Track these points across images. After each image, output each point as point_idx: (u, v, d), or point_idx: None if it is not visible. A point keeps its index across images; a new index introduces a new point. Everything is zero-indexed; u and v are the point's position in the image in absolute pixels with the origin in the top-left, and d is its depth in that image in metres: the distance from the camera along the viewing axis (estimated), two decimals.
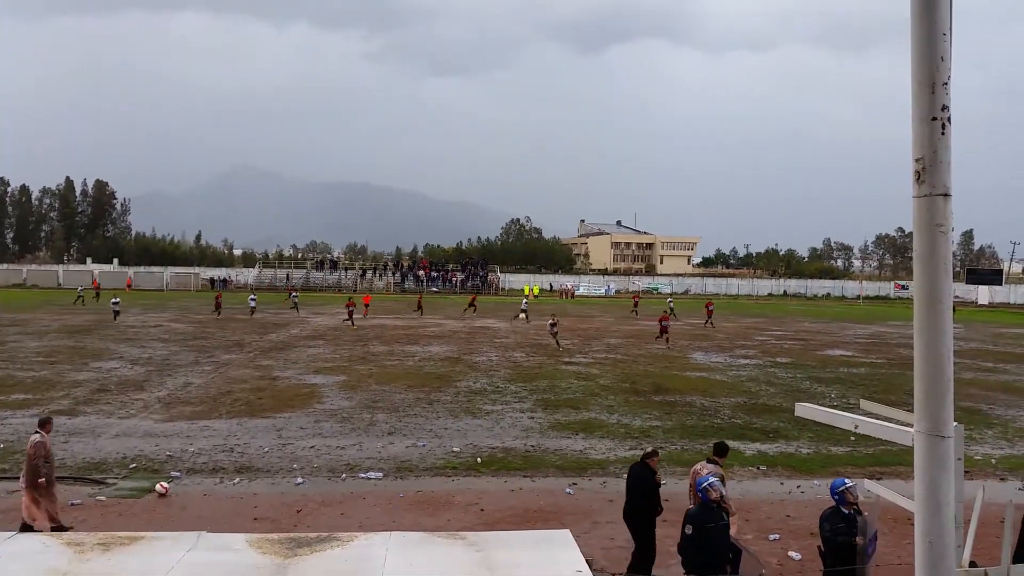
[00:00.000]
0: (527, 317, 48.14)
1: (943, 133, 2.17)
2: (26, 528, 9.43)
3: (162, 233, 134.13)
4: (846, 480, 7.85)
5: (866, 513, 7.50)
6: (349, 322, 41.93)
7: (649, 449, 9.82)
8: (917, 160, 2.20)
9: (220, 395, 20.49)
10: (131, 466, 13.65)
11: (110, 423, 17.05)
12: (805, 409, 3.03)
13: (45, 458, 9.94)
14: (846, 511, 7.58)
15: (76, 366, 25.08)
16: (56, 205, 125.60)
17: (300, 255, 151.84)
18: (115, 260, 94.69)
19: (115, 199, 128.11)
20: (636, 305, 58.76)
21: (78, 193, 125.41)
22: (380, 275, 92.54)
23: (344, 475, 13.40)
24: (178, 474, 13.22)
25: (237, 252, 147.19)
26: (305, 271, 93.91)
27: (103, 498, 11.97)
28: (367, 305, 49.43)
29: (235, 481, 12.91)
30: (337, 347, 31.96)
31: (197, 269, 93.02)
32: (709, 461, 9.36)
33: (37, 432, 10.23)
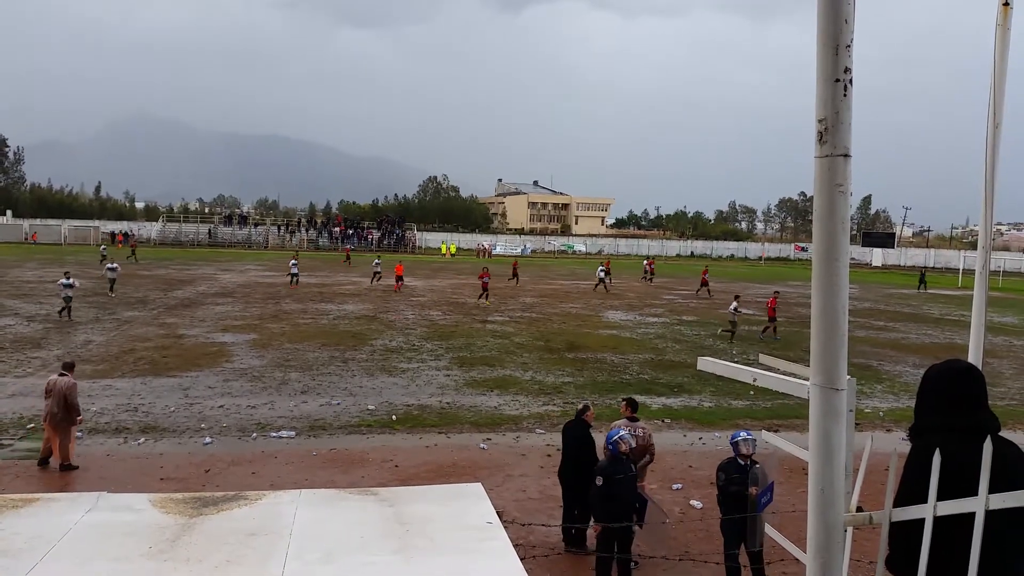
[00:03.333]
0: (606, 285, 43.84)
1: (845, 95, 2.22)
2: (44, 461, 11.18)
3: (59, 184, 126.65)
4: (743, 432, 8.19)
5: (759, 464, 7.86)
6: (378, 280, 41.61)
7: (581, 405, 9.95)
8: (820, 121, 2.25)
9: (123, 353, 19.70)
10: (29, 426, 13.05)
11: (5, 382, 16.20)
12: (707, 363, 3.12)
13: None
14: (741, 462, 7.94)
15: None
16: None
17: (207, 209, 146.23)
18: (8, 212, 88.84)
19: (7, 147, 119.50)
20: (651, 272, 52.40)
21: None
22: (293, 232, 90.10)
23: (255, 434, 13.16)
24: (79, 434, 12.67)
25: (139, 205, 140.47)
26: (212, 226, 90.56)
27: None
28: (400, 277, 39.74)
29: (140, 441, 12.51)
30: (247, 305, 31.11)
31: (97, 222, 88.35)
32: (623, 418, 9.64)
33: (63, 374, 11.47)
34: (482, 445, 13.01)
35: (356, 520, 3.70)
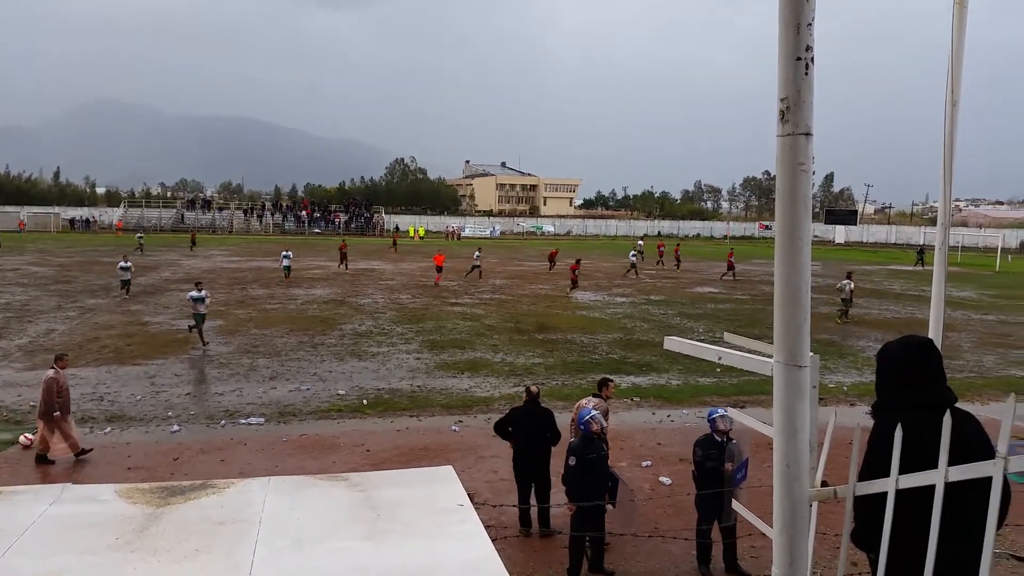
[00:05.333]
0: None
1: (807, 73, 2.23)
2: (41, 458, 10.86)
3: (17, 170, 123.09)
4: (720, 409, 8.29)
5: (735, 440, 7.97)
6: (344, 266, 40.69)
7: (533, 388, 9.97)
8: (782, 99, 2.26)
9: (86, 342, 19.34)
10: None
11: None
12: (673, 342, 3.15)
13: (59, 392, 11.00)
14: (718, 438, 8.03)
15: None
16: None
17: (169, 194, 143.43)
18: None
19: None
20: (732, 268, 41.81)
21: None
22: (259, 216, 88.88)
23: (223, 421, 13.03)
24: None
25: (100, 191, 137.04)
26: (175, 211, 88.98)
27: None
28: (440, 268, 36.36)
29: (106, 431, 12.33)
30: (212, 291, 30.65)
31: (57, 208, 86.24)
32: (594, 395, 9.69)
33: (52, 368, 11.29)
34: (453, 427, 13.03)
35: (326, 506, 3.69)
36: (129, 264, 28.50)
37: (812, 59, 2.26)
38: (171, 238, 69.71)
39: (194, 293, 19.72)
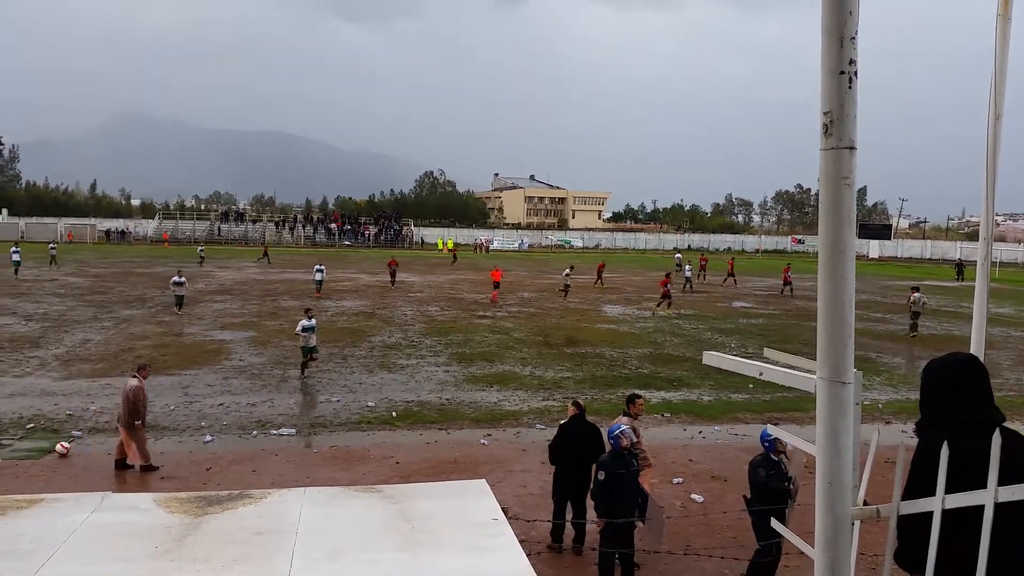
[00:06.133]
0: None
1: (850, 87, 2.22)
2: (121, 464, 11.09)
3: (55, 182, 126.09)
4: (766, 430, 8.12)
5: (788, 460, 7.80)
6: (392, 284, 39.12)
7: (580, 401, 9.93)
8: (825, 113, 2.25)
9: (121, 352, 19.68)
10: (28, 426, 13.02)
11: (4, 382, 16.16)
12: (712, 357, 3.12)
13: (143, 402, 11.19)
14: (775, 458, 7.85)
15: None
16: None
17: (203, 206, 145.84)
18: (4, 211, 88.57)
19: (2, 145, 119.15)
20: (788, 283, 40.13)
21: None
22: (291, 228, 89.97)
23: (255, 432, 13.15)
24: (79, 433, 12.70)
25: (135, 203, 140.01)
26: (209, 223, 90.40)
27: None
28: (497, 284, 34.89)
29: None
30: (245, 302, 31.09)
31: (93, 220, 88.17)
32: (624, 414, 9.62)
33: (135, 376, 11.38)
34: (482, 441, 13.02)
35: (361, 517, 3.71)
36: (183, 279, 27.56)
37: (855, 72, 2.25)
38: (208, 250, 70.80)
39: (305, 322, 17.67)
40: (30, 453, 11.71)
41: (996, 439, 2.12)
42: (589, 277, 44.69)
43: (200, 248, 57.51)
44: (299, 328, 17.68)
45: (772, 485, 7.67)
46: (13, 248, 40.83)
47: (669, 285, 31.87)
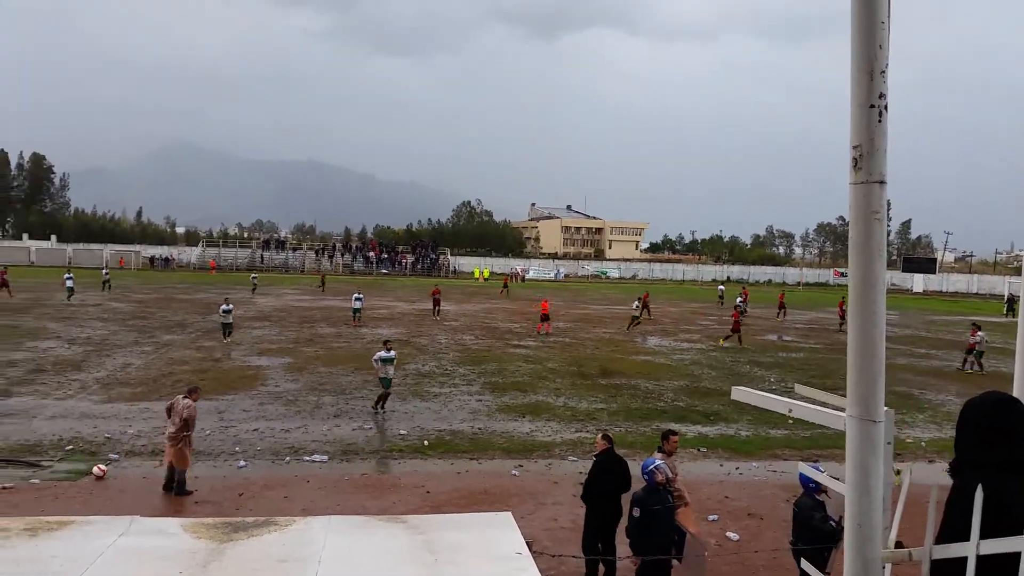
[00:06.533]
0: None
1: (880, 121, 2.19)
2: (169, 484, 11.34)
3: (102, 210, 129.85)
4: (815, 466, 7.81)
5: (829, 499, 7.57)
6: (436, 314, 38.01)
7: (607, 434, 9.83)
8: (855, 147, 2.23)
9: (161, 376, 20.02)
10: (67, 448, 13.27)
11: (46, 404, 16.52)
12: (741, 393, 3.06)
13: (193, 420, 11.74)
14: (819, 498, 7.64)
15: (11, 345, 24.19)
16: None
17: (246, 234, 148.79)
18: (53, 237, 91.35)
19: (53, 173, 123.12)
20: (844, 318, 37.14)
21: (13, 167, 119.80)
22: (330, 256, 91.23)
23: (288, 458, 13.23)
24: (116, 456, 12.90)
25: (180, 230, 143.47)
26: (251, 251, 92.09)
27: (37, 481, 11.62)
28: (546, 317, 33.26)
29: None
30: (283, 328, 31.48)
31: (138, 247, 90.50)
32: (658, 450, 9.48)
33: (186, 397, 11.90)
34: (514, 472, 12.92)
35: (385, 547, 3.69)
36: (231, 307, 27.04)
37: (885, 106, 2.22)
38: (246, 277, 72.11)
39: (382, 353, 17.17)
40: (68, 475, 11.92)
41: None
42: (608, 308, 44.42)
43: (253, 276, 58.15)
44: (376, 358, 17.23)
45: (825, 526, 7.39)
46: (67, 275, 41.99)
47: (740, 318, 31.47)
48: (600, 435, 9.65)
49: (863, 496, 2.21)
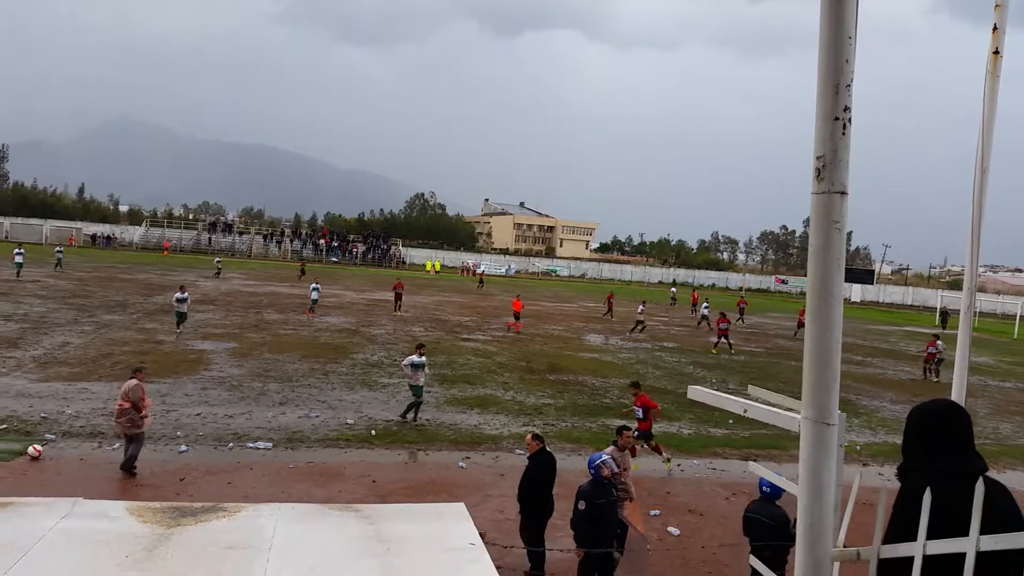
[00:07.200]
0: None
1: (844, 133, 2.25)
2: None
3: (43, 184, 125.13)
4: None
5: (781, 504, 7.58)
6: (397, 309, 36.18)
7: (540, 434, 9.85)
8: (818, 158, 2.28)
9: (100, 357, 19.44)
10: (1, 427, 12.81)
11: None
12: (697, 392, 3.13)
13: (143, 398, 11.55)
14: (778, 504, 7.40)
15: None
16: None
17: (192, 215, 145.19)
18: None
19: None
20: (802, 325, 41.41)
21: None
22: (278, 242, 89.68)
23: (231, 444, 13.00)
24: (53, 437, 12.51)
25: (123, 208, 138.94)
26: (197, 232, 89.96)
27: None
28: (518, 315, 32.97)
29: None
30: (228, 313, 30.87)
31: (79, 224, 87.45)
32: (613, 443, 9.62)
33: (132, 377, 11.68)
34: (461, 464, 12.93)
35: (336, 536, 3.67)
36: (186, 295, 24.54)
37: (849, 119, 2.29)
38: (190, 259, 70.46)
39: (415, 358, 15.92)
40: (1, 455, 11.50)
41: (979, 487, 2.14)
42: (559, 305, 44.74)
43: (217, 260, 55.49)
44: (406, 363, 15.93)
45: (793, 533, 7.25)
46: (16, 250, 40.08)
47: (726, 324, 30.75)
48: (530, 435, 9.52)
49: (815, 497, 2.28)
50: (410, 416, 15.42)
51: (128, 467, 11.16)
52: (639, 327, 34.99)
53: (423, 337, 27.97)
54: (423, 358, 16.00)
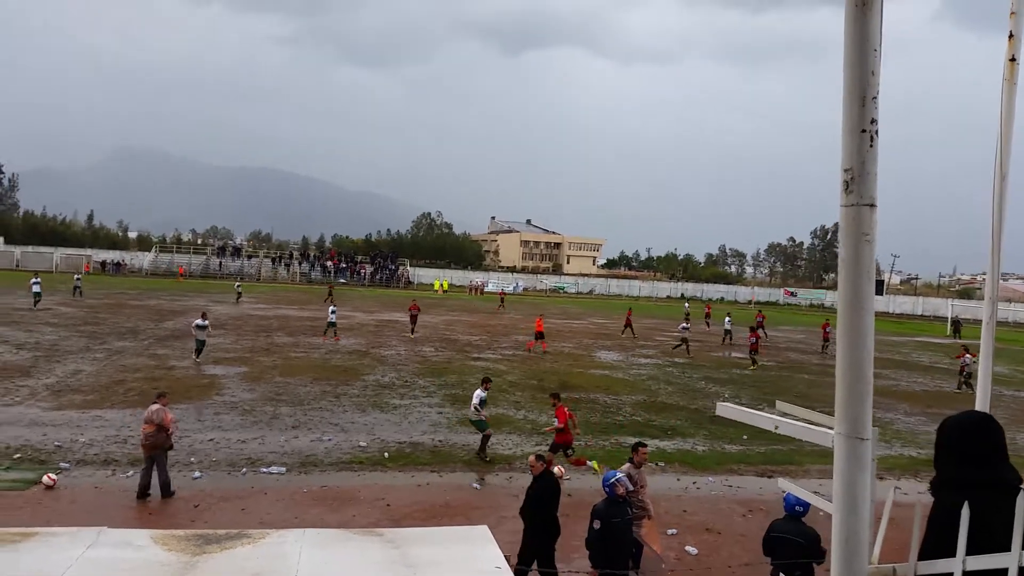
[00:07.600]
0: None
1: (871, 145, 2.25)
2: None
3: (53, 212, 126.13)
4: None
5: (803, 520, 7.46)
6: (411, 331, 35.51)
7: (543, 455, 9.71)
8: (846, 171, 2.28)
9: (113, 384, 19.48)
10: (15, 456, 12.83)
11: None
12: (726, 408, 3.10)
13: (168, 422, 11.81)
14: (804, 521, 7.32)
15: None
16: None
17: (200, 240, 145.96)
18: (0, 238, 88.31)
19: (1, 173, 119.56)
20: (828, 339, 39.46)
21: None
22: (286, 265, 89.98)
23: (245, 469, 12.97)
24: (67, 465, 12.51)
25: (132, 235, 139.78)
26: (206, 257, 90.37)
27: None
28: (540, 334, 32.41)
29: (128, 474, 12.29)
30: (239, 337, 30.93)
31: (89, 251, 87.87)
32: (629, 460, 9.53)
33: (155, 402, 11.97)
34: (475, 485, 12.87)
35: (361, 561, 3.64)
36: (207, 323, 24.09)
37: (876, 131, 2.28)
38: (200, 284, 70.75)
39: (480, 392, 15.09)
40: (16, 484, 11.51)
41: (1021, 500, 2.11)
42: (567, 322, 44.64)
43: (237, 284, 54.54)
44: (476, 402, 14.85)
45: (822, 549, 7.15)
46: (34, 279, 39.81)
47: (755, 339, 30.76)
48: (533, 456, 9.34)
49: (850, 513, 2.25)
50: (483, 455, 14.51)
51: (166, 492, 11.37)
52: (683, 345, 34.33)
53: (434, 357, 27.95)
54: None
